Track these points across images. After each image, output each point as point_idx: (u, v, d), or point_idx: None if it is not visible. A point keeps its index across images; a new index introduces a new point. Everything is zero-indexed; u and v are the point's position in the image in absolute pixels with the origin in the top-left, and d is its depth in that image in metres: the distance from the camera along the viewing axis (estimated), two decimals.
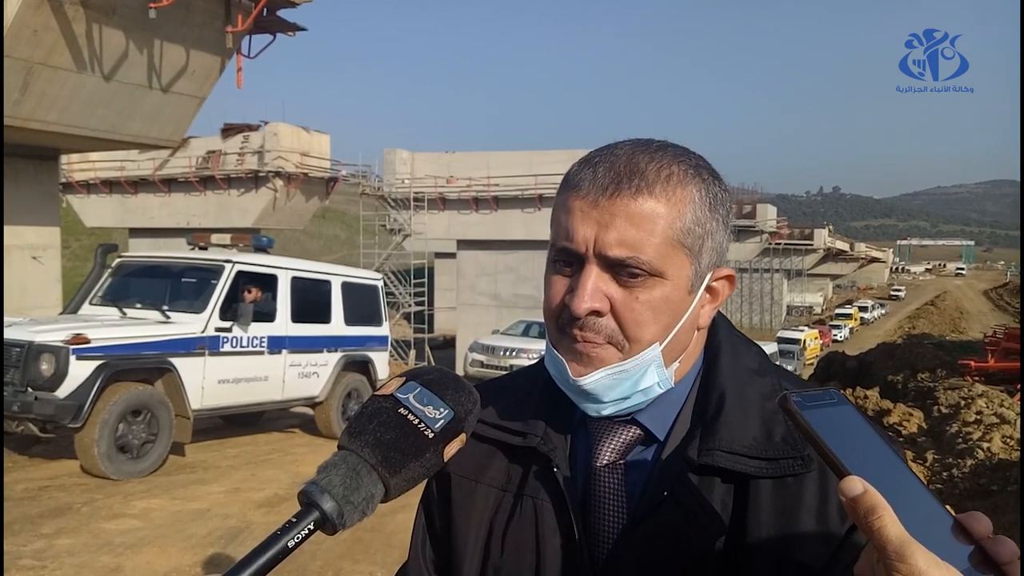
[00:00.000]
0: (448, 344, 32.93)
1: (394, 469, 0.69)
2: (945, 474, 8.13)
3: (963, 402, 11.97)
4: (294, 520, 0.65)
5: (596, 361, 0.80)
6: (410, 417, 0.71)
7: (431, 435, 0.71)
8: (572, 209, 0.80)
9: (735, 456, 0.78)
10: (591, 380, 0.80)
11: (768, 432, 0.80)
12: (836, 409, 0.64)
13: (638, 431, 0.85)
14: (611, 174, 0.78)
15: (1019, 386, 14.07)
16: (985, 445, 8.65)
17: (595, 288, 0.78)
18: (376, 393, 0.74)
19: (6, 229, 11.24)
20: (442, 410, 0.72)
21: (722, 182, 0.84)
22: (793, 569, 0.76)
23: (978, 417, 10.58)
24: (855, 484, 0.56)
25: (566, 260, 0.81)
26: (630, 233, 0.77)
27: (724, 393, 0.83)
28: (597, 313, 0.79)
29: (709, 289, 0.84)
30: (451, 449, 0.73)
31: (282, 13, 12.19)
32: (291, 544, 0.64)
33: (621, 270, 0.78)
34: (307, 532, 0.65)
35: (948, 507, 0.59)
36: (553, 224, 0.83)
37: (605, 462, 0.85)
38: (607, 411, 0.83)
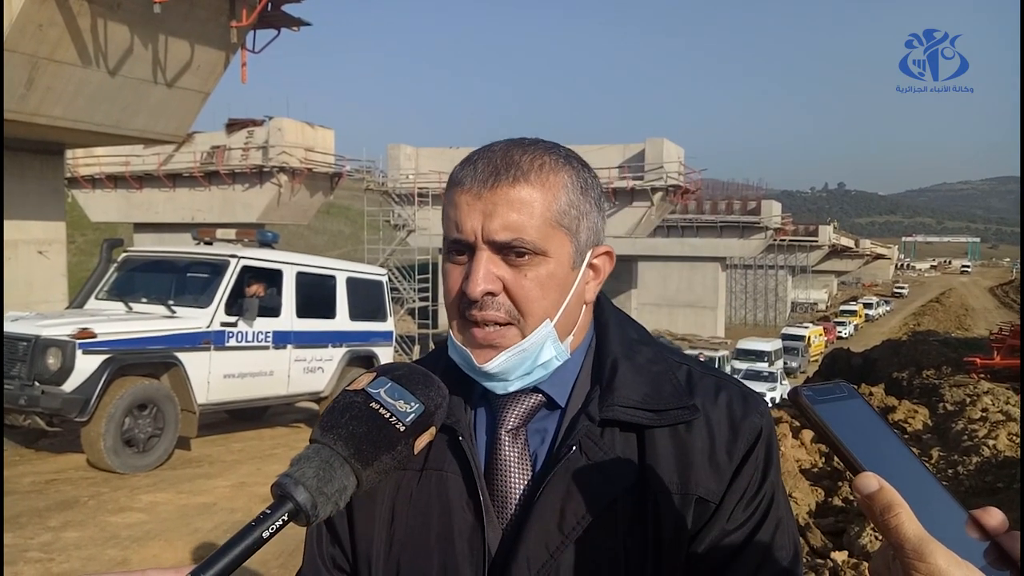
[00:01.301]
0: None
1: (366, 462, 0.70)
2: (950, 471, 8.10)
3: (968, 399, 11.92)
4: (268, 512, 0.66)
5: (498, 346, 0.87)
6: (381, 411, 0.72)
7: (402, 428, 0.72)
8: (459, 203, 0.87)
9: (631, 409, 0.87)
10: (495, 364, 0.87)
11: (657, 389, 0.89)
12: (847, 403, 0.63)
13: (540, 398, 0.92)
14: (490, 168, 0.86)
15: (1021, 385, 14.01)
16: (991, 442, 8.61)
17: (487, 271, 0.85)
18: (347, 388, 0.76)
19: (12, 224, 11.28)
20: (413, 404, 0.74)
21: (590, 170, 0.93)
22: (693, 505, 0.85)
23: (984, 414, 10.53)
24: (870, 481, 0.56)
25: (459, 250, 0.88)
26: (512, 217, 0.84)
27: (616, 359, 0.91)
28: (491, 294, 0.85)
29: (591, 266, 0.93)
30: (421, 442, 0.75)
31: (287, 8, 12.18)
32: (266, 535, 0.65)
33: (509, 252, 0.85)
34: (281, 523, 0.66)
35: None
36: (444, 220, 0.90)
37: (509, 428, 0.91)
38: (513, 387, 0.89)
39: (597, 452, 0.87)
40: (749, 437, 0.88)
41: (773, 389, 22.15)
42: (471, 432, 0.91)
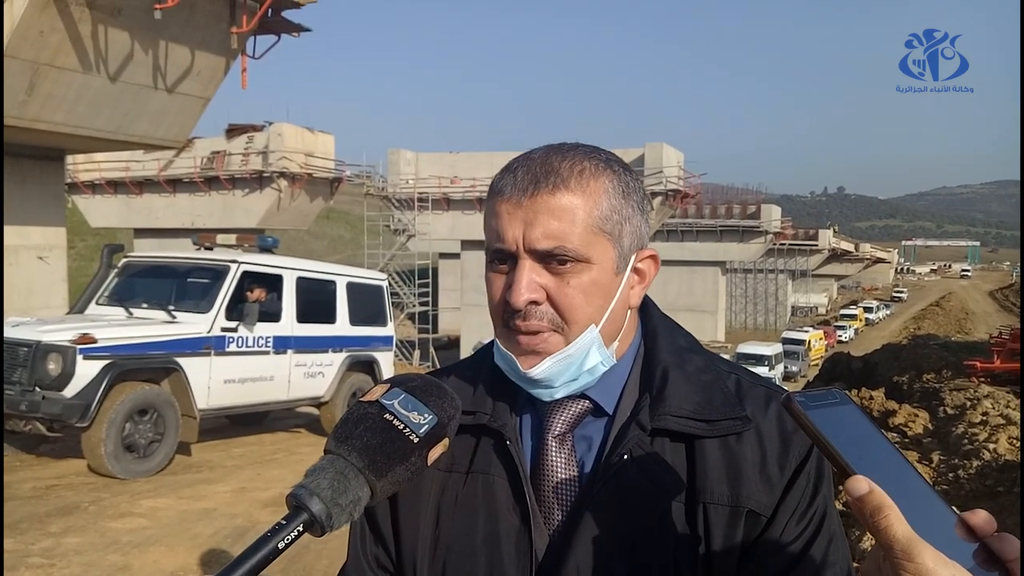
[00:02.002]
0: (452, 344, 32.94)
1: (380, 473, 0.71)
2: (951, 475, 8.10)
3: (969, 403, 11.91)
4: (283, 522, 0.67)
5: (542, 351, 0.86)
6: (395, 422, 0.73)
7: (416, 440, 0.73)
8: (499, 212, 0.86)
9: (683, 419, 0.86)
10: (540, 369, 0.86)
11: (709, 398, 0.88)
12: (840, 409, 0.65)
13: (587, 404, 0.91)
14: (529, 176, 0.85)
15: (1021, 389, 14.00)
16: (991, 446, 8.60)
17: (529, 280, 0.84)
18: (361, 399, 0.76)
19: (13, 229, 11.29)
20: (426, 416, 0.74)
21: (632, 172, 0.91)
22: (744, 518, 0.84)
23: (984, 418, 10.53)
24: (861, 484, 0.58)
25: (501, 259, 0.87)
26: (553, 226, 0.83)
27: (667, 368, 0.90)
28: (535, 303, 0.85)
29: (636, 271, 0.91)
30: (435, 453, 0.76)
31: (287, 14, 12.20)
32: (281, 545, 0.66)
33: (551, 260, 0.84)
34: (296, 534, 0.67)
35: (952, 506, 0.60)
36: (485, 229, 0.89)
37: (556, 434, 0.90)
38: (559, 394, 0.88)
39: (648, 461, 0.86)
40: (800, 450, 0.86)
41: None
42: (517, 436, 0.91)
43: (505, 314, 0.87)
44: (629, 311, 0.92)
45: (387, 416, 0.73)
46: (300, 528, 0.67)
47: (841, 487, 0.62)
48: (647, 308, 0.98)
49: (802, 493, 0.85)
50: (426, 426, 0.73)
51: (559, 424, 0.90)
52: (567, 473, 0.89)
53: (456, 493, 0.90)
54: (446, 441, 0.77)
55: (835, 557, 0.85)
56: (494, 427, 0.90)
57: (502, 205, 0.86)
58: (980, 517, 0.56)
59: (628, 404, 0.90)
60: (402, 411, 0.73)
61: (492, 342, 0.94)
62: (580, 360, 0.86)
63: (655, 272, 0.93)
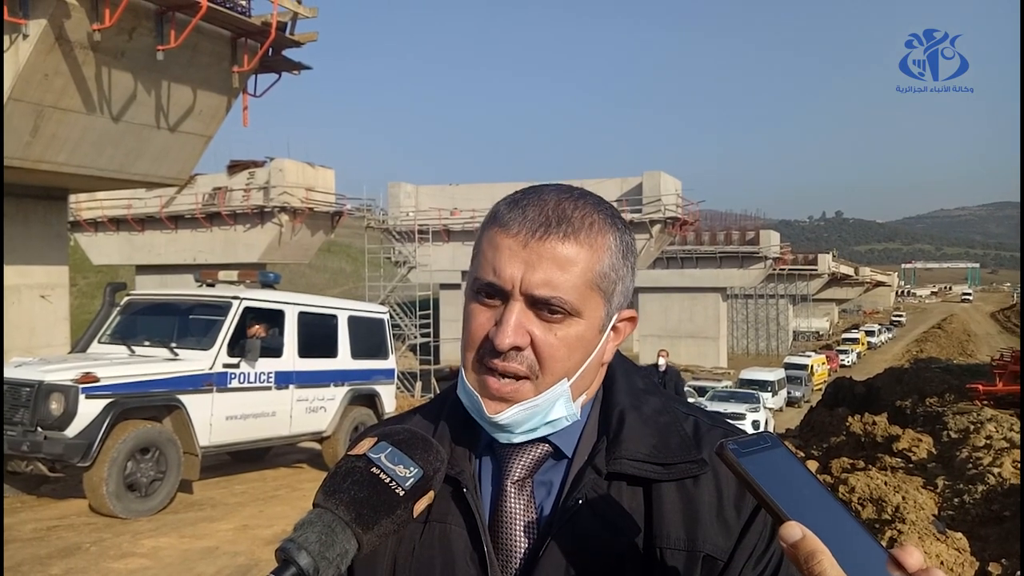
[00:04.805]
0: (454, 375, 32.74)
1: (367, 526, 0.72)
2: (956, 500, 8.05)
3: (972, 427, 11.86)
4: None
5: (510, 399, 0.85)
6: (382, 476, 0.75)
7: (402, 493, 0.75)
8: (500, 246, 0.84)
9: (639, 463, 0.85)
10: (505, 416, 0.85)
11: (665, 441, 0.87)
12: (771, 453, 0.67)
13: (547, 448, 0.90)
14: (541, 217, 0.83)
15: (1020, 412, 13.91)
16: (996, 470, 8.55)
17: (518, 324, 0.83)
18: (349, 453, 0.78)
19: (15, 269, 11.37)
20: (412, 469, 0.76)
21: (631, 232, 0.91)
22: (702, 562, 0.82)
23: (988, 442, 10.48)
24: (794, 530, 0.60)
25: (490, 294, 0.85)
26: (555, 274, 0.82)
27: (623, 410, 0.89)
28: (518, 348, 0.83)
29: (614, 329, 0.90)
30: (420, 505, 0.77)
31: (287, 52, 12.42)
32: None
33: (543, 308, 0.83)
34: None
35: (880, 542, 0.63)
36: (478, 258, 0.87)
37: (515, 479, 0.89)
38: (517, 440, 0.88)
39: (603, 506, 0.84)
40: None
41: (755, 410, 22.00)
42: (475, 483, 0.89)
43: (482, 350, 0.85)
44: (601, 367, 0.92)
45: (374, 470, 0.75)
46: None
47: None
48: None
49: (759, 536, 0.83)
50: (412, 479, 0.75)
51: (518, 469, 0.89)
52: (526, 520, 0.87)
53: (413, 544, 0.88)
54: (431, 493, 0.79)
55: None
56: (451, 474, 0.87)
57: (505, 239, 0.84)
58: (910, 554, 0.59)
59: (586, 447, 0.89)
60: (388, 465, 0.75)
61: (453, 385, 0.93)
62: (545, 411, 0.86)
63: (630, 332, 0.93)
